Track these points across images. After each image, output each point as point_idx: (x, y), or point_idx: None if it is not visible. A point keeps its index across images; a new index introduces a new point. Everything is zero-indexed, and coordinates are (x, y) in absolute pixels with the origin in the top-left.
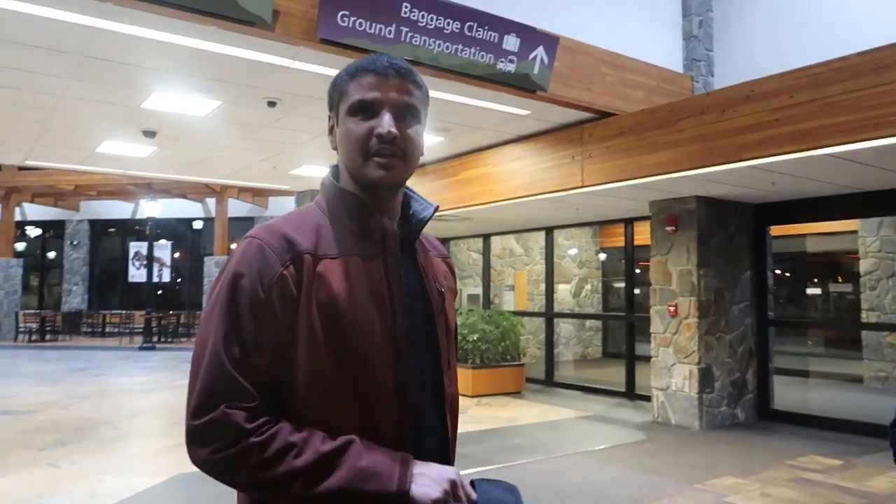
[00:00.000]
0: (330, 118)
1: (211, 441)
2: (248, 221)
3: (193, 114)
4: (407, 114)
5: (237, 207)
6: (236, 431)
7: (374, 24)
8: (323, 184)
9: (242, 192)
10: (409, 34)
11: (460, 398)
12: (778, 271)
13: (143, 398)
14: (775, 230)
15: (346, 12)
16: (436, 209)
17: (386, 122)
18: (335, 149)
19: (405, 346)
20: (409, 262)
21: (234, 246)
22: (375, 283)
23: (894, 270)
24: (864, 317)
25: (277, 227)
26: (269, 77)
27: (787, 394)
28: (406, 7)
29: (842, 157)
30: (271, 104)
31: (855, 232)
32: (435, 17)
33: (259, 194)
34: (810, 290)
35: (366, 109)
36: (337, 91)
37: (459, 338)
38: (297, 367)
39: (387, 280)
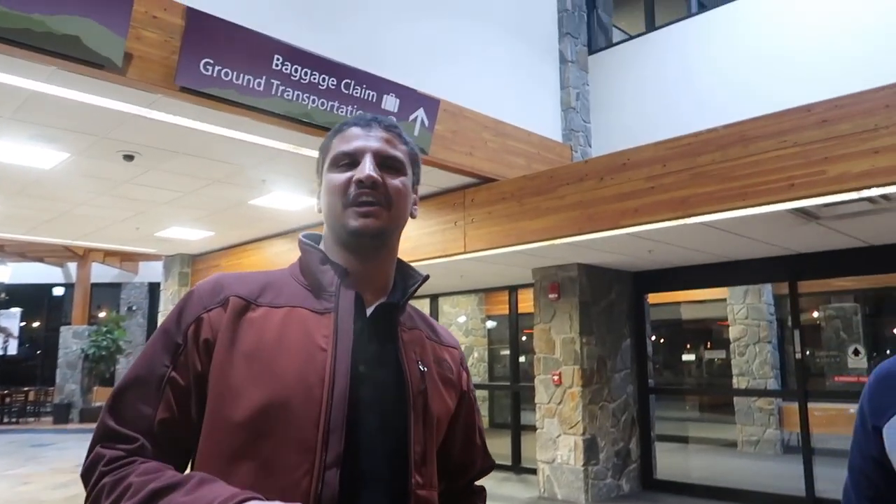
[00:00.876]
0: (317, 184)
1: (86, 483)
2: (115, 288)
3: (37, 166)
4: (391, 165)
5: (103, 272)
6: (96, 472)
7: (242, 75)
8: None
9: (109, 255)
10: (281, 87)
11: None
12: (654, 338)
13: None
14: (652, 298)
15: (210, 60)
16: (425, 278)
17: (366, 167)
18: (320, 212)
19: (339, 419)
20: (386, 332)
21: (102, 314)
22: (320, 337)
23: (760, 337)
24: (735, 382)
25: (219, 276)
26: (122, 127)
27: (668, 461)
28: (278, 59)
29: (712, 226)
30: (128, 157)
31: (724, 300)
32: (309, 71)
33: (128, 258)
34: (685, 357)
35: (347, 162)
36: (322, 152)
37: None
38: (201, 434)
39: (334, 336)
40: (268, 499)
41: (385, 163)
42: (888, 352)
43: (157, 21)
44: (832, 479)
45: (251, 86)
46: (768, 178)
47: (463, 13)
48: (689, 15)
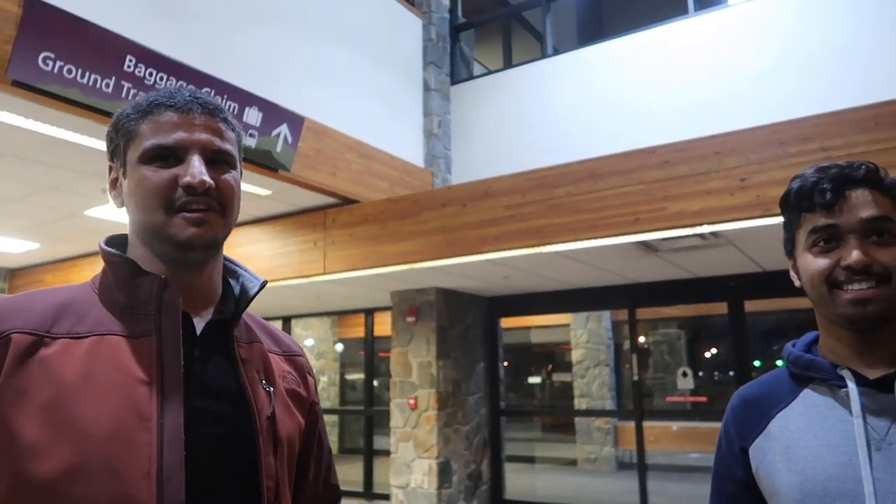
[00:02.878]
0: (112, 169)
1: None
2: None
3: None
4: (220, 160)
5: None
6: None
7: (88, 74)
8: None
9: None
10: (132, 90)
11: None
12: (506, 363)
13: None
14: (504, 322)
15: (51, 55)
16: (263, 284)
17: (196, 170)
18: (121, 206)
19: (175, 464)
20: (220, 352)
21: None
22: (140, 368)
23: (599, 360)
24: (577, 403)
25: None
26: None
27: (516, 481)
28: (131, 60)
29: (563, 255)
30: None
31: (568, 325)
32: (165, 76)
33: None
34: (532, 379)
35: (165, 157)
36: (123, 133)
37: None
38: None
39: (158, 363)
40: None
41: (214, 157)
42: (716, 373)
43: None
44: (663, 492)
45: (99, 86)
46: (616, 213)
47: (331, 34)
48: (544, 56)
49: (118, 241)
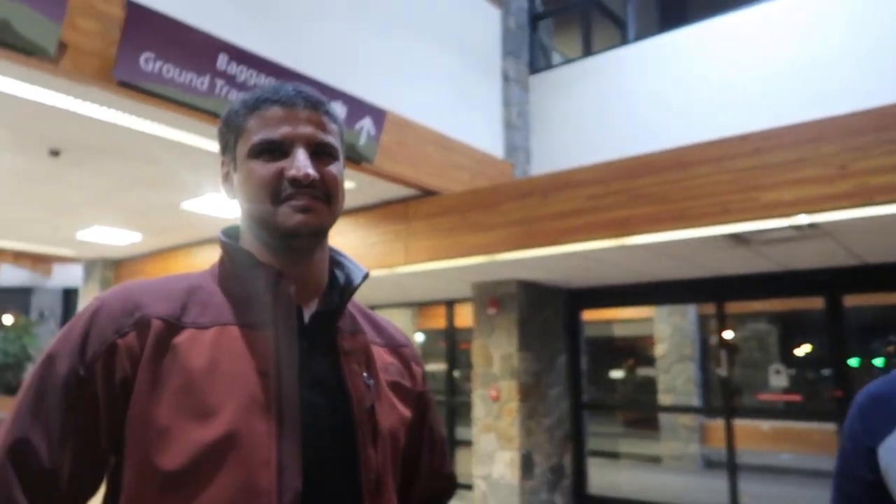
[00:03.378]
0: (224, 163)
1: None
2: (24, 293)
3: None
4: (325, 152)
5: (12, 276)
6: None
7: (184, 73)
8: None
9: (19, 257)
10: (225, 88)
11: None
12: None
13: None
14: (585, 315)
15: (152, 55)
16: (366, 275)
17: (301, 163)
18: (233, 199)
19: (293, 453)
20: (325, 344)
21: (9, 320)
22: (259, 360)
23: (684, 355)
24: (661, 399)
25: (130, 287)
26: (50, 120)
27: (599, 476)
28: (223, 58)
29: (648, 247)
30: (54, 153)
31: (651, 319)
32: (255, 73)
33: (41, 261)
34: (613, 373)
35: (272, 150)
36: (232, 129)
37: None
38: (122, 487)
39: (276, 355)
40: None
41: (318, 150)
42: (809, 372)
43: (95, 11)
44: (753, 493)
45: (194, 84)
46: (704, 203)
47: (410, 28)
48: (625, 43)
49: (233, 234)
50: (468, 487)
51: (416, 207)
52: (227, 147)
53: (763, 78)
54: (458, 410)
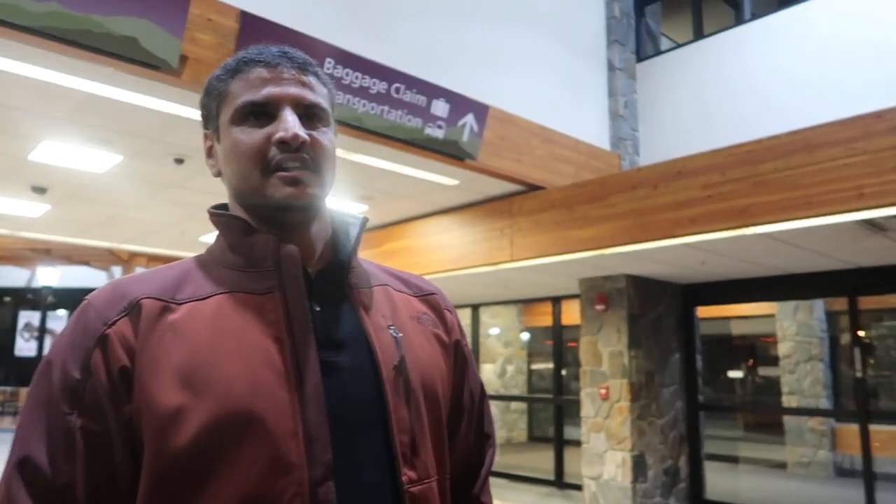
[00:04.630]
0: (207, 137)
1: None
2: None
3: (90, 169)
4: (314, 114)
5: None
6: None
7: None
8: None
9: (152, 260)
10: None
11: None
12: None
13: None
14: (700, 311)
15: None
16: (363, 223)
17: (289, 124)
18: (218, 175)
19: (319, 422)
20: (339, 299)
21: None
22: (270, 325)
23: (811, 354)
24: (785, 401)
25: (118, 280)
26: (175, 130)
27: (717, 481)
28: (330, 63)
29: (772, 237)
30: (179, 161)
31: (773, 315)
32: (360, 75)
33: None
34: (731, 373)
35: (257, 114)
36: (214, 97)
37: None
38: (142, 483)
39: (287, 318)
40: None
41: (307, 113)
42: None
43: (212, 24)
44: None
45: None
46: (836, 188)
47: (510, 20)
48: (740, 22)
49: (222, 210)
50: (577, 488)
51: (521, 203)
52: (210, 117)
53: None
54: (566, 409)
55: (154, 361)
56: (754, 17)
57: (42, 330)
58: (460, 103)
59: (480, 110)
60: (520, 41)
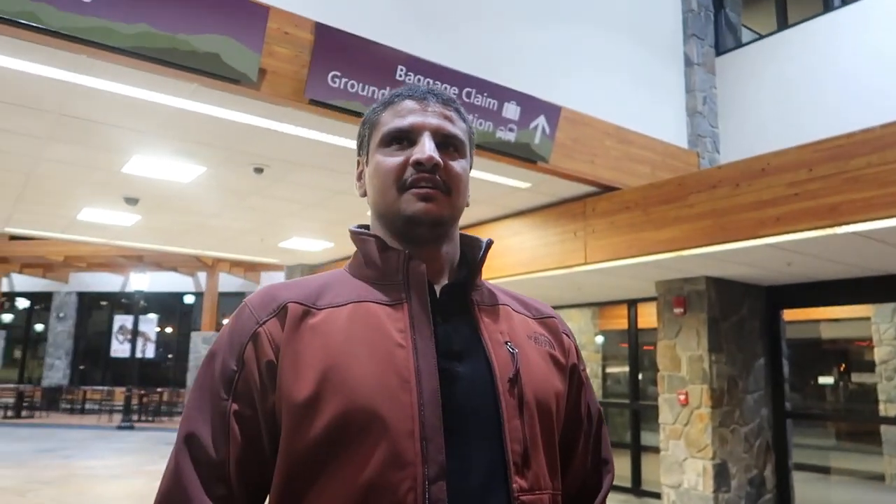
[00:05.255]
0: (359, 163)
1: None
2: (239, 297)
3: (177, 180)
4: (451, 144)
5: (228, 282)
6: None
7: (366, 86)
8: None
9: (234, 266)
10: None
11: None
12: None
13: (109, 485)
14: (787, 315)
15: (338, 73)
16: (488, 244)
17: (426, 147)
18: (363, 195)
19: (435, 425)
20: (461, 314)
21: (224, 321)
22: (395, 332)
23: None
24: (883, 409)
25: (270, 286)
26: (254, 141)
27: (807, 493)
28: (401, 70)
29: (866, 236)
30: (258, 170)
31: (868, 318)
32: (431, 81)
33: (251, 269)
34: (822, 379)
35: (401, 139)
36: (367, 126)
37: None
38: (277, 466)
39: (412, 328)
40: None
41: (444, 142)
42: None
43: (289, 37)
44: None
45: (375, 96)
46: None
47: (582, 18)
48: (828, 10)
49: (363, 229)
50: (656, 496)
51: (595, 204)
52: (363, 144)
53: None
54: (643, 415)
55: (295, 358)
56: (844, 2)
57: (135, 332)
58: (532, 105)
59: (552, 112)
60: (591, 40)
